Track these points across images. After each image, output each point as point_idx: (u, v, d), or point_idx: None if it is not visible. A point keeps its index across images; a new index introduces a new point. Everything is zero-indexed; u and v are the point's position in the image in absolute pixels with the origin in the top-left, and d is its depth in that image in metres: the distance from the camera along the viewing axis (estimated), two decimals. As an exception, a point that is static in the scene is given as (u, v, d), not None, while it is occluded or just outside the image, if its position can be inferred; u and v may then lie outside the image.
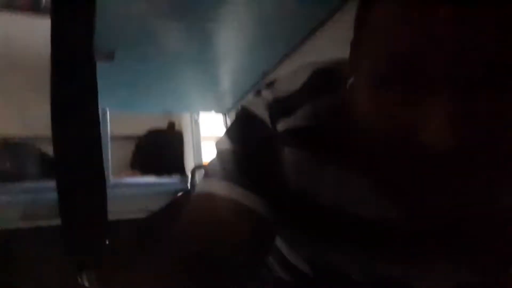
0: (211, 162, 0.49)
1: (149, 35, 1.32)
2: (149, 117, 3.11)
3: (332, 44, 1.22)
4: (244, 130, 0.48)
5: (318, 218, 0.47)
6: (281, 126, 0.45)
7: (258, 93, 0.50)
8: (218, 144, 0.49)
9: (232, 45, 1.50)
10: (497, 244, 0.43)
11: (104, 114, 2.18)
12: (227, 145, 0.47)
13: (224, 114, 2.36)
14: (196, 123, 2.75)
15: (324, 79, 0.47)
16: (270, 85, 0.50)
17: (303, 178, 0.46)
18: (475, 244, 0.43)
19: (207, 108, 2.38)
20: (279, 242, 0.58)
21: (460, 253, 0.45)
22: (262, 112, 0.47)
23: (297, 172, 0.46)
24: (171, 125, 3.15)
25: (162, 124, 3.17)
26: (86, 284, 0.93)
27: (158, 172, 2.70)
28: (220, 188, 0.44)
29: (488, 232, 0.43)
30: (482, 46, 0.28)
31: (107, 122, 2.22)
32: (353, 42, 0.40)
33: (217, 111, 2.36)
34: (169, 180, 2.51)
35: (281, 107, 0.46)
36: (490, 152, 0.31)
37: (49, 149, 1.92)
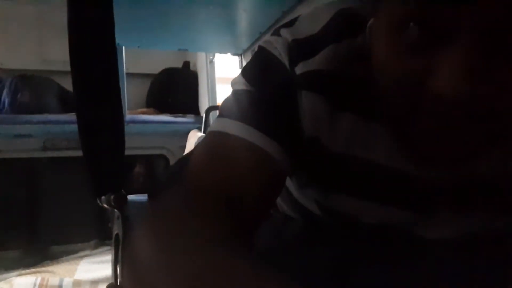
0: (226, 101, 0.48)
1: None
2: (164, 56, 3.10)
3: None
4: (261, 72, 0.46)
5: (329, 165, 0.47)
6: (299, 68, 0.44)
7: (277, 32, 0.48)
8: (234, 84, 0.48)
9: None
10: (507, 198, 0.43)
11: (120, 50, 2.18)
12: (243, 85, 0.46)
13: (240, 56, 2.33)
14: (211, 63, 2.73)
15: (346, 21, 0.45)
16: (290, 24, 0.48)
17: (318, 124, 0.45)
18: (486, 196, 0.44)
19: (223, 50, 2.35)
20: (288, 182, 0.58)
21: (471, 205, 0.45)
22: (280, 52, 0.45)
23: (312, 117, 0.45)
24: (186, 64, 3.13)
25: (178, 63, 3.16)
26: (105, 205, 1.00)
27: (173, 111, 2.71)
28: (235, 128, 0.43)
29: (500, 187, 0.43)
30: None
31: (123, 58, 2.23)
32: None
33: (232, 53, 2.33)
34: (184, 119, 2.53)
35: (300, 48, 0.45)
36: (501, 108, 0.31)
37: (67, 85, 1.96)
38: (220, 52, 2.50)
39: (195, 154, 0.44)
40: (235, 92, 0.47)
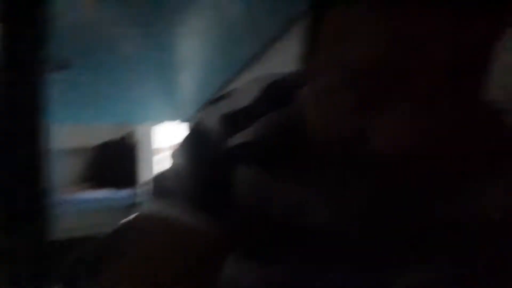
0: (158, 178, 0.47)
1: (107, 42, 1.27)
2: (102, 128, 3.03)
3: (294, 54, 1.21)
4: (196, 146, 0.46)
5: (271, 235, 0.46)
6: (233, 140, 0.44)
7: (212, 104, 0.49)
8: (166, 159, 0.48)
9: (193, 52, 1.46)
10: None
11: (54, 126, 2.05)
12: (177, 160, 0.46)
13: (182, 125, 2.31)
14: (152, 133, 2.69)
15: (279, 91, 0.46)
16: (224, 97, 0.49)
17: (256, 196, 0.45)
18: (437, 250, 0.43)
19: (165, 119, 2.32)
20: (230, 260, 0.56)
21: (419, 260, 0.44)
22: (214, 126, 0.46)
23: (249, 189, 0.44)
24: (125, 136, 3.08)
25: (116, 135, 3.11)
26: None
27: (110, 185, 2.65)
28: (167, 208, 0.42)
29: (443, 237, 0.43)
30: (436, 57, 0.29)
31: (56, 134, 2.10)
32: (305, 50, 0.39)
33: (175, 121, 2.30)
34: (122, 194, 2.44)
35: (234, 120, 0.45)
36: (439, 159, 0.33)
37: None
38: (162, 122, 2.47)
39: (124, 240, 0.44)
40: (168, 168, 0.47)
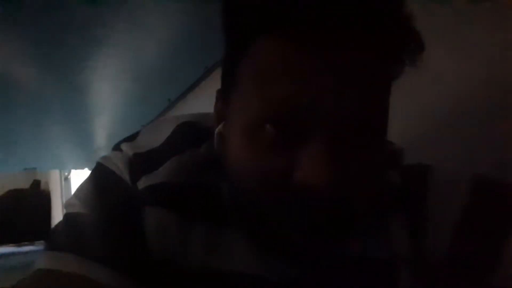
0: (56, 228, 0.42)
1: (14, 86, 1.20)
2: (9, 176, 2.79)
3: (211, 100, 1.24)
4: (97, 191, 0.43)
5: (186, 284, 0.43)
6: (142, 183, 0.42)
7: (117, 147, 0.46)
8: (67, 206, 0.43)
9: (108, 98, 1.44)
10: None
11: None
12: (76, 207, 0.42)
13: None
14: (66, 180, 2.53)
15: (188, 133, 0.45)
16: (131, 139, 0.46)
17: (167, 241, 0.42)
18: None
19: (80, 165, 2.20)
20: None
21: None
22: (120, 168, 0.43)
23: (160, 234, 0.42)
24: (36, 184, 2.89)
25: (25, 183, 2.88)
26: None
27: (19, 239, 2.40)
28: (65, 262, 0.38)
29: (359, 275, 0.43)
30: (346, 102, 0.31)
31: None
32: (222, 89, 0.40)
33: (91, 167, 2.19)
34: (32, 248, 2.21)
35: (142, 162, 0.43)
36: (354, 188, 0.34)
37: None
38: (77, 168, 2.34)
39: None
40: (66, 216, 0.42)
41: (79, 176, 2.58)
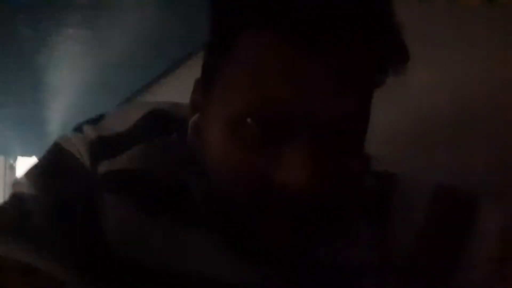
0: (1, 209, 0.40)
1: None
2: None
3: (180, 89, 1.21)
4: (51, 171, 0.40)
5: (143, 280, 0.41)
6: (102, 167, 0.40)
7: (79, 129, 0.43)
8: (14, 185, 0.40)
9: (67, 82, 1.36)
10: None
11: None
12: (25, 187, 0.39)
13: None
14: (11, 168, 2.40)
15: (158, 120, 0.44)
16: (95, 121, 0.44)
17: (125, 231, 0.40)
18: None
19: (28, 152, 2.09)
20: None
21: None
22: (80, 150, 0.41)
23: (117, 222, 0.40)
24: None
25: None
26: None
27: None
28: (4, 247, 0.36)
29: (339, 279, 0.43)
30: (328, 104, 0.31)
31: None
32: (202, 81, 0.39)
33: (39, 156, 2.08)
34: None
35: (105, 146, 0.41)
36: (333, 192, 0.34)
37: None
38: (24, 155, 2.22)
39: None
40: (13, 196, 0.40)
41: (25, 165, 2.46)
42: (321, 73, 0.31)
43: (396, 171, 0.44)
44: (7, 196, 0.44)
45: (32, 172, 0.41)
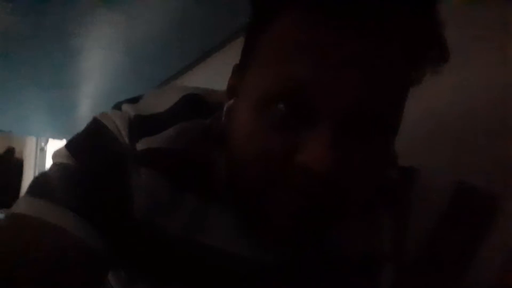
0: (40, 176, 0.41)
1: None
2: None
3: (208, 79, 1.22)
4: (89, 145, 0.42)
5: (165, 251, 0.43)
6: (141, 144, 0.42)
7: (118, 106, 0.45)
8: (55, 156, 0.42)
9: (98, 67, 1.37)
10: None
11: None
12: (65, 158, 0.41)
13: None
14: (42, 151, 2.44)
15: (195, 104, 0.46)
16: (134, 101, 0.46)
17: (155, 204, 0.42)
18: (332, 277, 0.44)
19: (58, 135, 2.12)
20: (113, 280, 0.52)
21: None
22: (119, 127, 0.43)
23: (150, 196, 0.42)
24: (10, 151, 2.79)
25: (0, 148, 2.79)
26: None
27: None
28: (43, 210, 0.37)
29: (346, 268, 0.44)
30: (354, 92, 0.31)
31: None
32: (239, 65, 0.40)
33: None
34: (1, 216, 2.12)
35: (144, 124, 0.43)
36: (353, 180, 0.34)
37: None
38: (55, 138, 2.26)
39: None
40: (53, 166, 0.41)
41: (56, 147, 2.51)
42: (358, 61, 0.30)
43: (419, 167, 0.44)
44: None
45: (72, 144, 0.42)
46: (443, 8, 0.33)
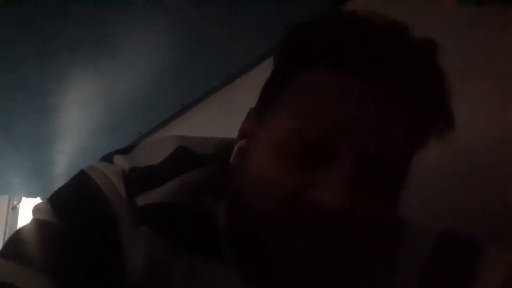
0: (18, 233, 0.38)
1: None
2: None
3: (207, 119, 1.23)
4: (79, 203, 0.39)
5: None
6: (141, 200, 0.40)
7: (108, 158, 0.44)
8: (36, 211, 0.39)
9: (74, 125, 1.36)
10: None
11: None
12: (47, 215, 0.38)
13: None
14: (14, 210, 2.35)
15: (189, 155, 0.45)
16: (126, 152, 0.45)
17: (151, 266, 0.40)
18: None
19: (32, 194, 2.06)
20: None
21: None
22: (114, 180, 0.41)
23: (146, 257, 0.39)
24: None
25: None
26: None
27: None
28: (21, 277, 0.34)
29: None
30: (374, 138, 0.33)
31: None
32: (257, 109, 0.42)
33: (44, 197, 2.05)
34: None
35: (141, 178, 0.42)
36: (363, 224, 0.35)
37: None
38: (28, 196, 2.19)
39: None
40: (33, 222, 0.38)
41: (29, 206, 2.42)
42: (380, 111, 0.33)
43: (403, 214, 0.44)
44: (6, 234, 0.43)
45: (56, 200, 0.40)
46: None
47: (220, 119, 1.08)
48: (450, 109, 0.36)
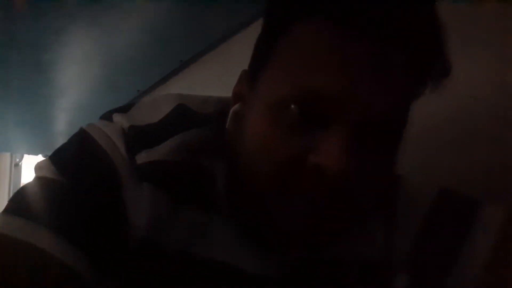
0: (22, 190, 0.39)
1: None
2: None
3: (206, 76, 1.21)
4: (78, 158, 0.40)
5: (161, 267, 0.42)
6: (141, 158, 0.40)
7: (107, 117, 0.43)
8: (38, 169, 0.40)
9: (74, 81, 1.34)
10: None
11: None
12: (50, 173, 0.38)
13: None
14: (16, 167, 2.37)
15: (189, 114, 0.45)
16: (125, 110, 0.44)
17: (154, 220, 0.40)
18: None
19: (34, 151, 2.07)
20: None
21: None
22: (114, 138, 0.41)
23: (149, 212, 0.40)
24: None
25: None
26: None
27: None
28: (24, 231, 0.35)
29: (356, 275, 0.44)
30: (376, 100, 0.32)
31: None
32: (250, 72, 0.40)
33: (45, 154, 2.07)
34: None
35: (141, 136, 0.42)
36: (364, 185, 0.35)
37: None
38: (30, 153, 2.20)
39: None
40: (36, 180, 0.39)
41: (31, 163, 2.44)
42: (370, 68, 0.32)
43: (402, 172, 0.44)
44: (10, 191, 0.43)
45: (57, 158, 0.40)
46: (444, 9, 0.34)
47: (220, 75, 1.07)
48: (447, 54, 0.35)
